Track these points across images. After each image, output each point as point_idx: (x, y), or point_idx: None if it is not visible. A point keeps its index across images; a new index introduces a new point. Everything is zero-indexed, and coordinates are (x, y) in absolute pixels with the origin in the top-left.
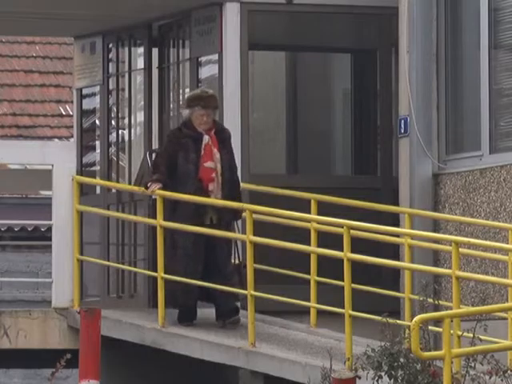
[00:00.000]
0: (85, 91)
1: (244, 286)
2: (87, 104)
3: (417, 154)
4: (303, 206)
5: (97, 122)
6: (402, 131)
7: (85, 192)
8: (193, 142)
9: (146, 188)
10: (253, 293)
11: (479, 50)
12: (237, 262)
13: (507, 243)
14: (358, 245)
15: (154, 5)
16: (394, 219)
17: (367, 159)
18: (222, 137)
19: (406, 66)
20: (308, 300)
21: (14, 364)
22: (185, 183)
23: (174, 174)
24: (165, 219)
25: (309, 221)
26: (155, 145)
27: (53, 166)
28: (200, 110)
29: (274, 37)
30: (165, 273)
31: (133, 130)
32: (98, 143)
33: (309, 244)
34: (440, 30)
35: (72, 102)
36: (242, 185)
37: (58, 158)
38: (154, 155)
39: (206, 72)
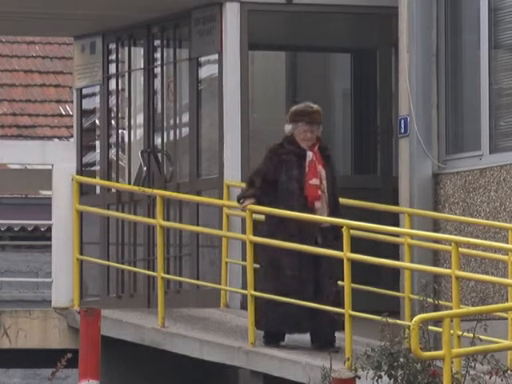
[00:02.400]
0: (85, 91)
1: (340, 306)
2: (87, 104)
3: (417, 153)
4: None
5: (97, 121)
6: (402, 131)
7: (85, 192)
8: (296, 159)
9: (239, 202)
10: (253, 293)
11: (479, 49)
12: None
13: (507, 243)
14: (358, 245)
15: (154, 5)
16: (393, 219)
17: (367, 159)
18: (326, 154)
19: (405, 65)
20: None
21: (13, 364)
22: (287, 201)
23: (273, 192)
24: (265, 236)
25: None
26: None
27: (53, 165)
28: (304, 125)
29: (274, 37)
30: (255, 290)
31: (132, 130)
32: (97, 143)
33: None
34: (440, 30)
35: (72, 101)
36: (243, 185)
37: (57, 158)
38: (159, 156)
39: (205, 72)
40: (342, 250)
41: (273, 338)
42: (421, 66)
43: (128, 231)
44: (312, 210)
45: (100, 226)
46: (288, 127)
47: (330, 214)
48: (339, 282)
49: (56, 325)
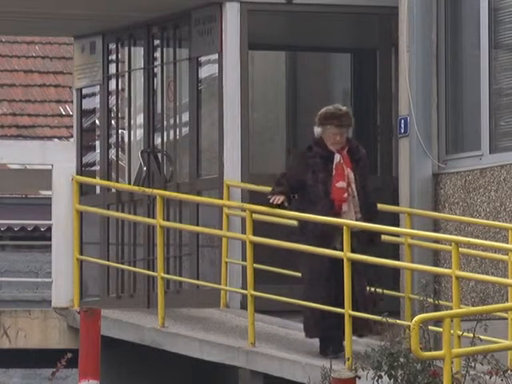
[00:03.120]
0: (85, 91)
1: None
2: (87, 104)
3: (417, 153)
4: None
5: (97, 121)
6: (402, 131)
7: (85, 192)
8: (323, 161)
9: (269, 201)
10: (253, 293)
11: (479, 49)
12: (372, 289)
13: (507, 243)
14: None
15: (154, 5)
16: (394, 219)
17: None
18: (357, 156)
19: (405, 65)
20: None
21: (13, 364)
22: (314, 204)
23: (301, 195)
24: (292, 241)
25: None
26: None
27: (53, 165)
28: (333, 128)
29: (274, 37)
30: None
31: (132, 130)
32: (97, 143)
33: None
34: (440, 30)
35: (72, 101)
36: (242, 185)
37: (57, 158)
38: (159, 156)
39: (205, 72)
40: (376, 254)
41: (327, 348)
42: (421, 66)
43: (128, 231)
44: (338, 214)
45: (100, 225)
46: (317, 130)
47: (364, 219)
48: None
49: (56, 325)
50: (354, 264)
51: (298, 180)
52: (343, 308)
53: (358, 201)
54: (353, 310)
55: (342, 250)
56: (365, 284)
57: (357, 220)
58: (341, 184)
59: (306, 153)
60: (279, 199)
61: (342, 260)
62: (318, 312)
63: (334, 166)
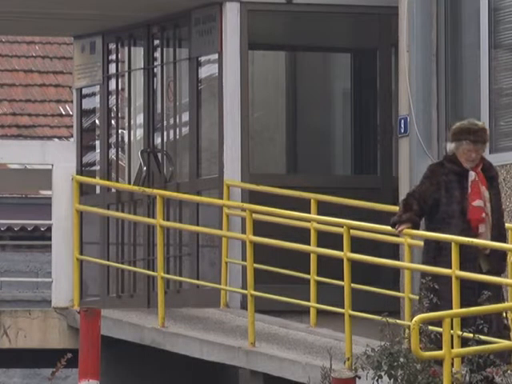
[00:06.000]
0: (85, 91)
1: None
2: (87, 104)
3: (417, 153)
4: (303, 205)
5: (97, 121)
6: (402, 131)
7: (85, 192)
8: (457, 179)
9: (393, 226)
10: (253, 293)
11: (479, 49)
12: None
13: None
14: (358, 245)
15: (154, 5)
16: None
17: (367, 159)
18: (490, 175)
19: (405, 65)
20: (308, 300)
21: (13, 364)
22: (448, 223)
23: (433, 214)
24: (426, 264)
25: (309, 220)
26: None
27: (53, 165)
28: (468, 144)
29: (274, 37)
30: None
31: (132, 130)
32: (97, 143)
33: (309, 244)
34: (440, 29)
35: (72, 101)
36: (243, 185)
37: (57, 158)
38: (159, 156)
39: (205, 72)
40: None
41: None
42: (421, 66)
43: (128, 231)
44: (475, 235)
45: (100, 225)
46: (450, 146)
47: (494, 241)
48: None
49: (56, 325)
50: (490, 286)
51: (429, 199)
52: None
53: (491, 222)
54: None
55: (488, 273)
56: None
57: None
58: (478, 203)
59: (437, 169)
60: (404, 227)
61: (485, 286)
62: None
63: (469, 184)
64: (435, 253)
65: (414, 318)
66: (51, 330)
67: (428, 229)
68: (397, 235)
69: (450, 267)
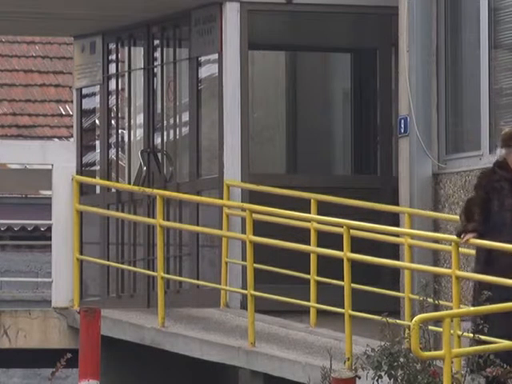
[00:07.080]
0: (85, 91)
1: None
2: (87, 104)
3: (417, 153)
4: (303, 205)
5: (97, 121)
6: (402, 131)
7: (85, 192)
8: (509, 186)
9: (459, 237)
10: (253, 293)
11: (479, 49)
12: None
13: None
14: (358, 245)
15: (154, 5)
16: (394, 219)
17: (367, 159)
18: None
19: (405, 65)
20: (308, 300)
21: (13, 364)
22: (499, 232)
23: (486, 222)
24: (475, 272)
25: (309, 220)
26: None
27: (53, 165)
28: None
29: (274, 37)
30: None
31: (132, 130)
32: (97, 143)
33: (309, 244)
34: (440, 29)
35: (72, 101)
36: (243, 185)
37: (57, 158)
38: (159, 156)
39: (205, 72)
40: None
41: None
42: (421, 65)
43: (128, 231)
44: None
45: (100, 225)
46: (501, 151)
47: None
48: None
49: (56, 325)
50: None
51: (484, 205)
52: None
53: None
54: None
55: None
56: None
57: None
58: None
59: (488, 175)
60: (470, 237)
61: None
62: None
63: None
64: (485, 263)
65: (414, 318)
66: (51, 330)
67: (481, 237)
68: (397, 235)
69: (501, 276)
